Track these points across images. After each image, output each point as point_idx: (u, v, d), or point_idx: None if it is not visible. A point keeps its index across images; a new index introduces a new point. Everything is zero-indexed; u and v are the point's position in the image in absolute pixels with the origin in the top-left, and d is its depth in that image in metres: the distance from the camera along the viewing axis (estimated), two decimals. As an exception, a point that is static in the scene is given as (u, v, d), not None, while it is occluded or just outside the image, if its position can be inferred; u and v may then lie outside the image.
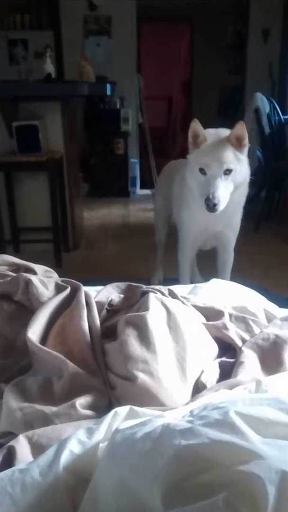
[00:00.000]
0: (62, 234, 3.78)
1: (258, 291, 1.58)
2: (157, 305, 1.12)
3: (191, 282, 2.25)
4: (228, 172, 1.98)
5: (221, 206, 1.99)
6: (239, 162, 2.01)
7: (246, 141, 2.01)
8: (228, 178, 1.99)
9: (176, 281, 2.47)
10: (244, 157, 2.03)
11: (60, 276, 1.47)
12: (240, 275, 2.59)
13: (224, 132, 2.03)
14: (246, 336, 1.18)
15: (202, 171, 2.00)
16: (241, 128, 1.97)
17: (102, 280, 1.58)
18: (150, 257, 3.25)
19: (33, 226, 3.78)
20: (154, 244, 3.09)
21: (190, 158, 2.07)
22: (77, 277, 1.41)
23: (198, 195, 2.06)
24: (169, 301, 1.16)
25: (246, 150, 2.04)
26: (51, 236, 3.54)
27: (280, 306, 1.49)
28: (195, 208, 2.16)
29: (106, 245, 4.17)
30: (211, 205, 1.96)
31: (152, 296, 1.15)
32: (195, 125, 2.01)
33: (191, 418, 0.72)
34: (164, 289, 1.26)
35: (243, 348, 1.11)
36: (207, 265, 2.84)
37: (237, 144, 2.00)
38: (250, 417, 0.67)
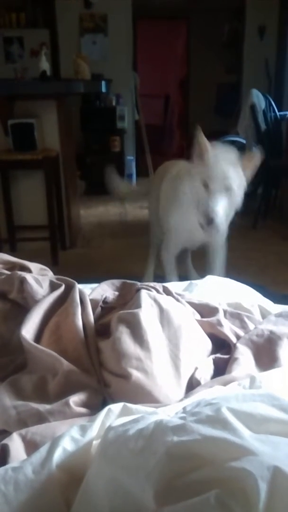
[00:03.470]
0: (59, 232, 3.78)
1: (254, 288, 1.58)
2: (149, 302, 1.12)
3: (187, 279, 2.25)
4: (229, 191, 1.98)
5: (219, 223, 1.97)
6: (240, 186, 2.01)
7: (253, 169, 2.02)
8: (229, 197, 1.99)
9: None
10: (244, 183, 2.04)
11: (57, 274, 1.46)
12: (236, 272, 2.59)
13: (231, 150, 2.03)
14: (241, 333, 1.18)
15: (204, 184, 1.98)
16: (258, 158, 1.99)
17: (99, 278, 1.57)
18: (147, 255, 3.25)
19: (29, 224, 3.77)
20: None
21: (194, 170, 2.04)
22: (74, 275, 1.41)
23: (196, 207, 2.05)
24: (162, 298, 1.16)
25: (249, 177, 2.04)
26: (47, 234, 3.54)
27: (275, 303, 1.48)
28: (186, 216, 2.17)
29: (103, 243, 4.16)
30: (210, 220, 1.95)
31: (144, 293, 1.15)
32: (201, 137, 1.99)
33: (183, 415, 0.71)
34: (159, 286, 1.26)
35: (238, 345, 1.11)
36: (202, 262, 2.84)
37: (246, 168, 2.01)
38: (243, 413, 0.67)
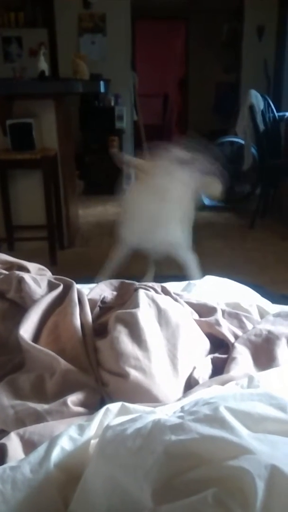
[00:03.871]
0: (57, 232, 3.77)
1: (252, 288, 1.58)
2: (147, 302, 1.12)
3: (185, 279, 2.25)
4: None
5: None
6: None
7: None
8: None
9: (169, 278, 2.46)
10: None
11: (55, 274, 1.46)
12: (235, 272, 2.59)
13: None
14: (239, 332, 1.18)
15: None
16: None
17: (97, 277, 1.57)
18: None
19: (28, 224, 3.76)
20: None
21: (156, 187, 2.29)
22: (73, 275, 1.41)
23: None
24: (160, 298, 1.16)
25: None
26: (46, 234, 3.53)
27: (273, 303, 1.49)
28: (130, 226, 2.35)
29: (102, 243, 4.15)
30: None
31: (142, 293, 1.15)
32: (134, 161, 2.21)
33: (181, 414, 0.72)
34: (157, 286, 1.26)
35: (236, 344, 1.11)
36: (201, 262, 2.84)
37: None
38: (240, 413, 0.67)
